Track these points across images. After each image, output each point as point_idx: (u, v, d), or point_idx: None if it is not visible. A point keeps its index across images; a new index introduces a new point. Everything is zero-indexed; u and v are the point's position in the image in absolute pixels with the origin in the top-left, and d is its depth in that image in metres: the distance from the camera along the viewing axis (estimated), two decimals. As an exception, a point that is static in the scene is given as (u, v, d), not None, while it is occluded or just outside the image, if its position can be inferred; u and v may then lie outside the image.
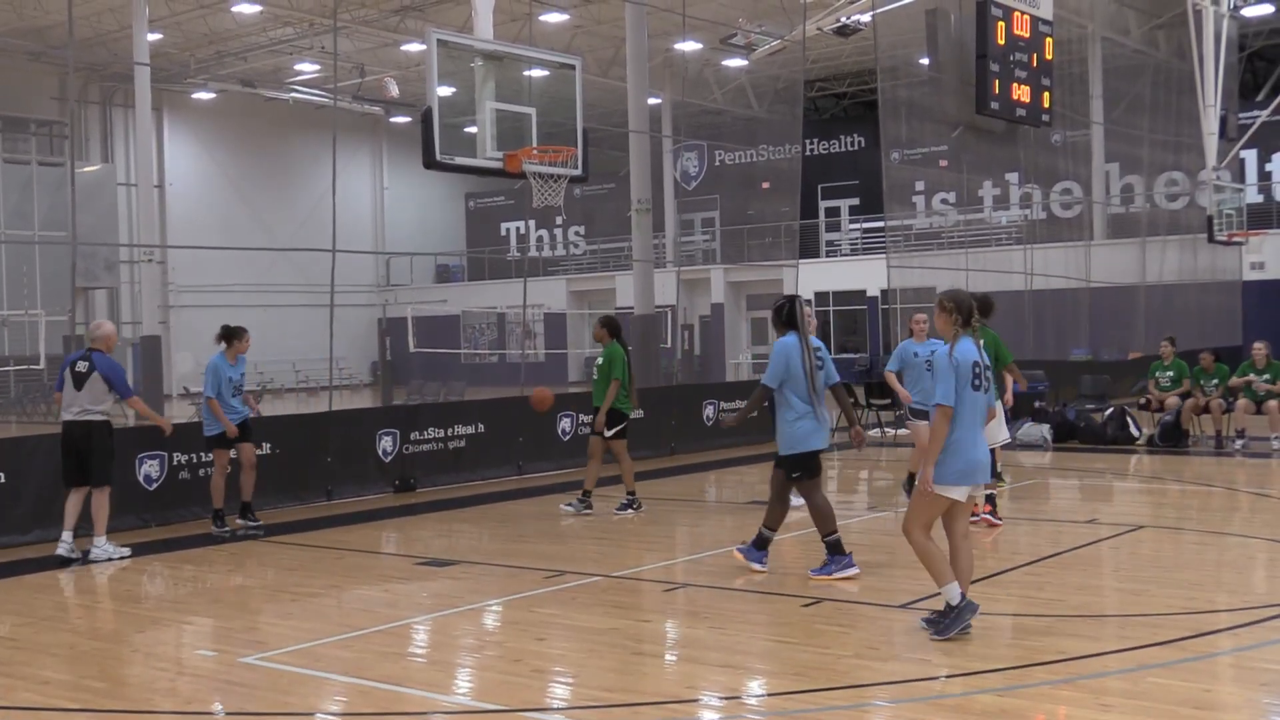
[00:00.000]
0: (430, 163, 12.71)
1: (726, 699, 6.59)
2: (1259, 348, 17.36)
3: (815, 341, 9.39)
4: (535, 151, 13.15)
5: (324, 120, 40.59)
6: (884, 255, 30.17)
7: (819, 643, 7.51)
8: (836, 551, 9.38)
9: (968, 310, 7.43)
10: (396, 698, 6.56)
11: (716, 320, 39.86)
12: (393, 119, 43.76)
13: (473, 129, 13.13)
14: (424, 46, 12.95)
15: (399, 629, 8.15)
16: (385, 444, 14.37)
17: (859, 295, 37.21)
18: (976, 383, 7.37)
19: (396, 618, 8.43)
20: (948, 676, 6.70)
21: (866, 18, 24.98)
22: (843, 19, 25.40)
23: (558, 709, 6.46)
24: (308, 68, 38.68)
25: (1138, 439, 17.99)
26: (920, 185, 35.39)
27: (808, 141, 38.90)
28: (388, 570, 10.31)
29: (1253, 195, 33.18)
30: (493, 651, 7.66)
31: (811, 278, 37.03)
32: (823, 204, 42.28)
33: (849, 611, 8.32)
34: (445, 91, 12.88)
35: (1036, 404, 19.20)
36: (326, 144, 37.00)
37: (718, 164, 41.24)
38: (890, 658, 7.13)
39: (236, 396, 11.93)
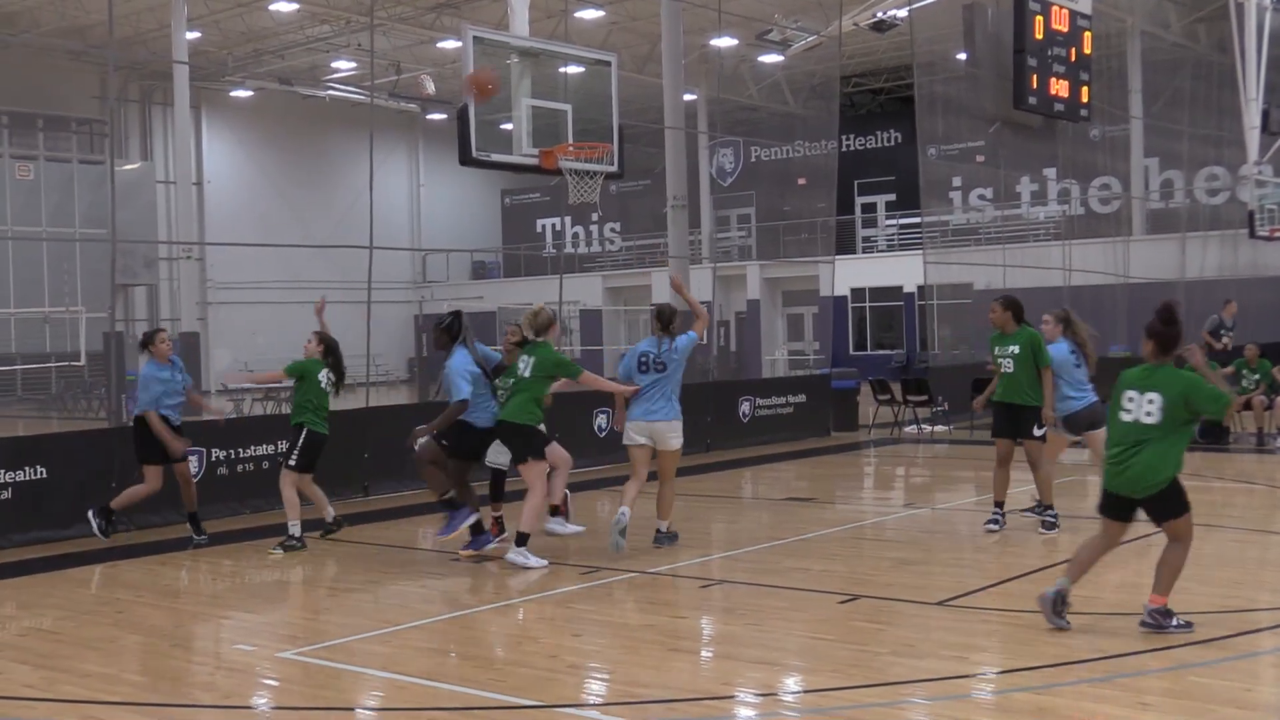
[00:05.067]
0: (466, 159, 12.73)
1: (762, 695, 6.58)
2: (1250, 349, 17.55)
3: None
4: (571, 148, 13.16)
5: (361, 117, 40.76)
6: (920, 251, 30.03)
7: (856, 640, 7.49)
8: (452, 508, 10.04)
9: None
10: (432, 693, 6.58)
11: (753, 317, 39.79)
12: (429, 116, 43.91)
13: (509, 126, 13.14)
14: (460, 44, 12.99)
15: (435, 624, 8.18)
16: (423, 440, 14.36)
17: (895, 291, 37.04)
18: None
19: (433, 613, 8.46)
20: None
21: (903, 13, 24.86)
22: (879, 14, 25.30)
23: (593, 705, 6.46)
24: (344, 65, 38.85)
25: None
26: (957, 181, 35.18)
27: (844, 137, 38.73)
28: (425, 566, 10.35)
29: (1294, 190, 32.79)
30: (529, 647, 7.67)
31: (848, 274, 36.87)
32: (859, 200, 42.11)
33: (886, 609, 8.29)
34: (482, 88, 12.89)
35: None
36: (363, 141, 37.09)
37: (754, 160, 41.15)
38: (927, 655, 7.10)
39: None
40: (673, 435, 10.23)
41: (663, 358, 10.27)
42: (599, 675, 7.01)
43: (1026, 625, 7.74)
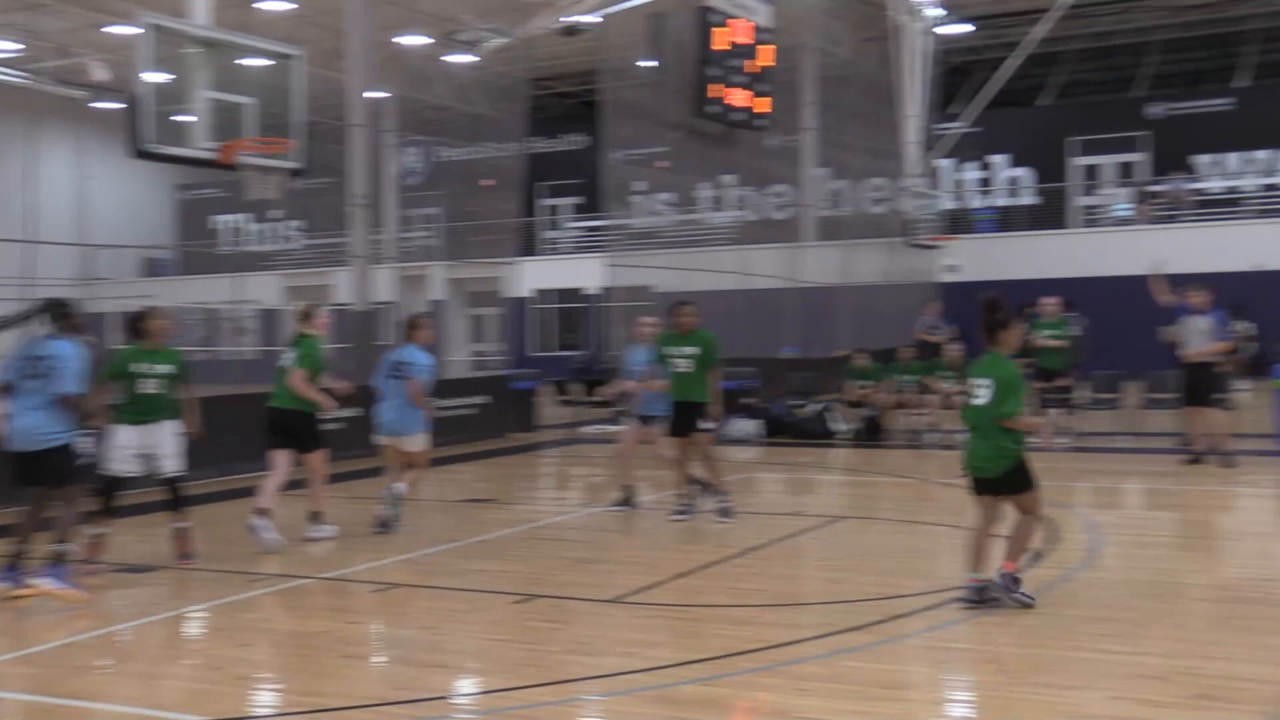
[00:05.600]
0: (137, 151, 12.19)
1: (436, 699, 6.54)
2: (952, 349, 18.47)
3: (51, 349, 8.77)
4: (252, 143, 12.81)
5: (20, 103, 38.27)
6: (603, 254, 30.52)
7: (531, 639, 7.55)
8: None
9: None
10: (85, 714, 6.24)
11: (437, 317, 39.54)
12: (99, 104, 41.65)
13: (186, 117, 12.67)
14: (135, 29, 12.43)
15: (91, 641, 7.75)
16: (84, 443, 13.61)
17: (580, 293, 37.56)
18: None
19: (89, 629, 8.02)
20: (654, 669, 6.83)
21: (593, 18, 25.22)
22: (567, 19, 25.56)
23: (259, 716, 6.28)
24: (6, 46, 36.41)
25: (842, 433, 18.78)
26: (640, 185, 35.94)
27: (531, 140, 39.01)
28: (80, 578, 9.80)
29: (948, 202, 35.11)
30: (193, 660, 7.39)
31: (533, 275, 37.16)
32: (545, 202, 42.50)
33: (562, 608, 8.38)
34: (157, 78, 12.37)
35: (747, 400, 19.78)
36: (24, 127, 34.94)
37: (441, 160, 40.90)
38: (601, 652, 7.21)
39: None
40: (410, 437, 11.32)
41: (402, 367, 11.25)
42: (268, 686, 6.81)
43: (696, 619, 7.98)
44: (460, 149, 40.70)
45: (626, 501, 12.36)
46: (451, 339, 38.63)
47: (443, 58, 34.37)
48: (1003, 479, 7.89)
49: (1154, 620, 7.61)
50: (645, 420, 12.32)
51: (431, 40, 33.06)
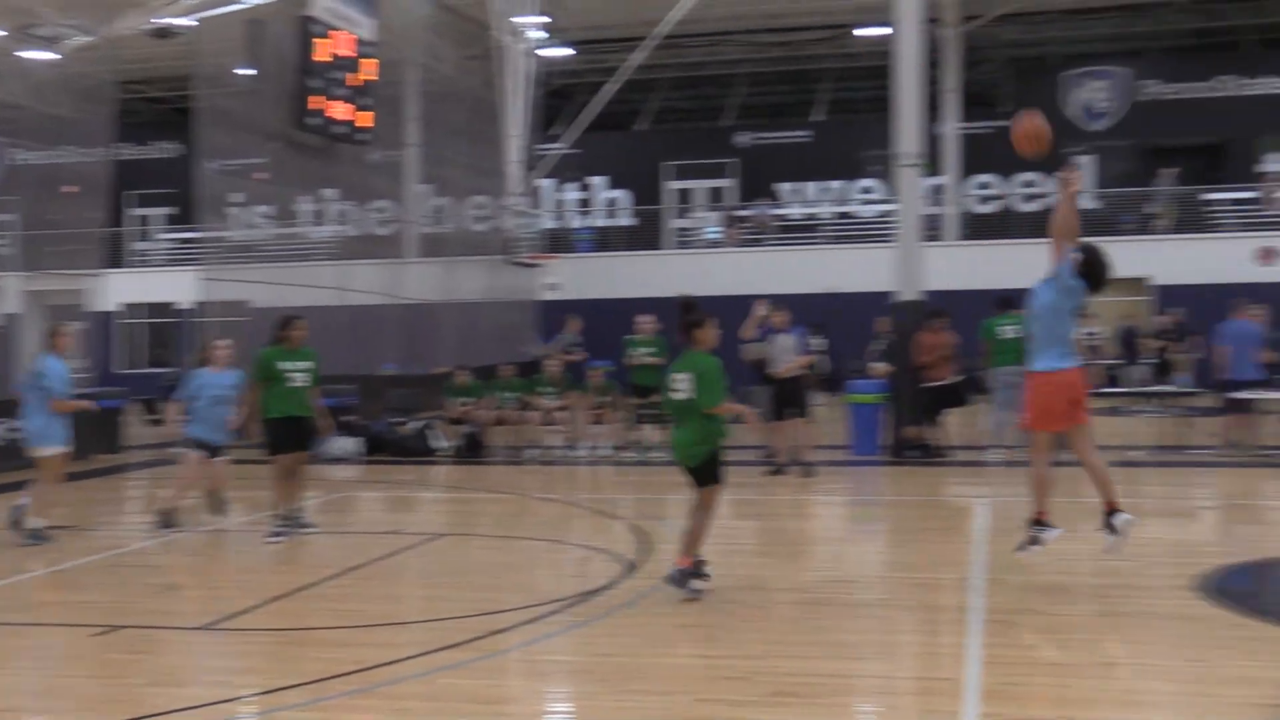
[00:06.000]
0: None
1: (2, 743, 6.08)
2: (552, 364, 18.91)
3: None
4: None
5: None
6: (197, 267, 29.34)
7: (111, 673, 7.13)
8: None
9: None
10: None
11: (12, 332, 36.82)
12: None
13: None
14: None
15: None
16: None
17: (172, 308, 35.95)
18: None
19: None
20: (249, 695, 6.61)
21: (187, 21, 24.23)
22: (159, 20, 24.46)
23: None
24: None
25: (443, 450, 18.79)
26: (238, 197, 34.74)
27: (119, 146, 36.99)
28: None
29: (549, 222, 35.85)
30: None
31: (120, 288, 35.32)
32: (134, 212, 40.46)
33: (146, 637, 7.96)
34: None
35: (346, 418, 19.46)
36: None
37: (16, 164, 38.16)
38: (189, 682, 6.92)
39: None
40: (41, 448, 11.32)
41: (36, 378, 11.25)
42: None
43: (293, 643, 7.78)
44: (39, 152, 38.10)
45: (170, 521, 12.00)
46: (28, 355, 36.08)
47: (17, 53, 32.19)
48: (698, 468, 8.55)
49: (739, 623, 8.00)
50: (207, 449, 12.08)
51: (4, 33, 30.87)
